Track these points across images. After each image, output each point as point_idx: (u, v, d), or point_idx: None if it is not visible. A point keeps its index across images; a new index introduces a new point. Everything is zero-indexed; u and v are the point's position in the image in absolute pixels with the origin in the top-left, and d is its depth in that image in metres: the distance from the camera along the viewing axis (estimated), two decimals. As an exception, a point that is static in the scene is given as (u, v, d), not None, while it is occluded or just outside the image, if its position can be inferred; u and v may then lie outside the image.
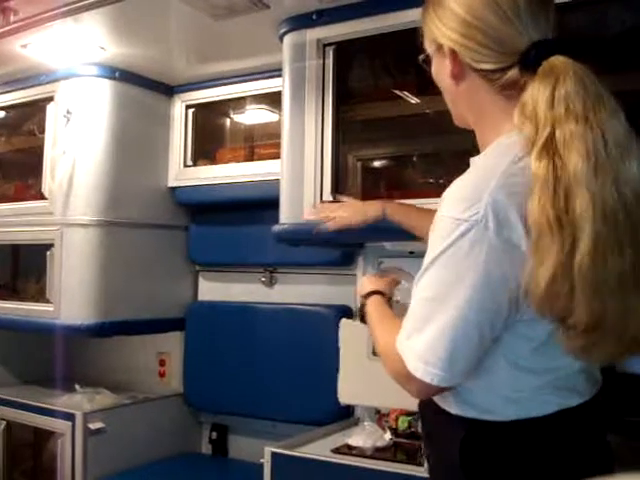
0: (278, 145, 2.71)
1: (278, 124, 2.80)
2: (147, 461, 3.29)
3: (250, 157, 3.45)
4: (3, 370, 3.79)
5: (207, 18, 2.61)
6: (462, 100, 1.39)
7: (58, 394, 3.45)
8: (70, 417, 3.09)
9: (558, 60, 1.22)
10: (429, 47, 1.42)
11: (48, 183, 3.30)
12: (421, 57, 1.45)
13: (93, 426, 3.09)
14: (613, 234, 1.13)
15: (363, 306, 1.68)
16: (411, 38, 2.39)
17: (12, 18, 2.53)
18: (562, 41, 1.28)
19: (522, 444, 1.31)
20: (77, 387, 3.48)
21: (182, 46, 3.05)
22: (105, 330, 3.22)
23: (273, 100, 3.18)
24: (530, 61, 1.24)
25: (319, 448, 2.50)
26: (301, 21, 2.57)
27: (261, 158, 3.32)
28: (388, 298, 1.69)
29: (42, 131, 3.41)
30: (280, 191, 2.60)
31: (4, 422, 3.39)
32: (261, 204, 3.05)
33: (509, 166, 1.20)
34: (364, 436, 2.51)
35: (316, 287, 3.26)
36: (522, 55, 1.26)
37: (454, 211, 1.20)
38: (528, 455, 1.31)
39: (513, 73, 1.27)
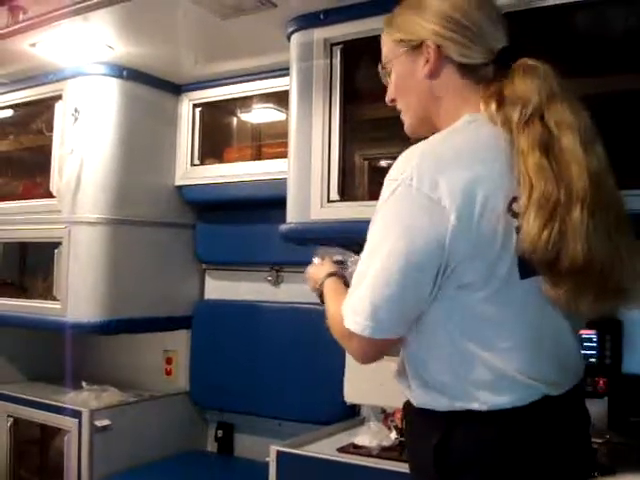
0: (285, 144, 2.71)
1: (285, 123, 2.80)
2: (153, 459, 3.30)
3: (257, 156, 3.45)
4: (10, 367, 3.80)
5: (215, 17, 2.62)
6: (428, 96, 1.48)
7: (65, 391, 3.46)
8: (77, 414, 3.10)
9: (530, 61, 1.40)
10: (397, 49, 1.51)
11: (56, 181, 3.31)
12: (382, 65, 1.59)
13: (99, 423, 3.09)
14: (600, 194, 1.27)
15: (321, 293, 1.71)
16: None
17: (21, 17, 2.54)
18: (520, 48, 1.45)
19: (497, 437, 1.32)
20: (84, 384, 3.49)
21: (190, 45, 3.06)
22: (112, 328, 3.23)
23: (280, 99, 3.18)
24: (505, 60, 1.41)
25: (325, 447, 2.50)
26: (309, 20, 2.57)
27: (268, 157, 3.32)
28: (342, 277, 1.73)
29: (50, 129, 3.42)
30: (287, 190, 2.61)
31: (11, 419, 3.41)
32: (268, 203, 3.05)
33: (445, 137, 1.37)
34: (370, 435, 2.51)
35: (322, 286, 3.26)
36: (497, 54, 1.42)
37: (391, 174, 1.33)
38: (502, 450, 1.32)
39: (490, 69, 1.43)
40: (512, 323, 1.33)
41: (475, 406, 1.32)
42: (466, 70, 1.43)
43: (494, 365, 1.31)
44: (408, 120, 1.58)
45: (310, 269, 1.83)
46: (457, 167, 1.29)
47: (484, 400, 1.32)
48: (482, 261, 1.28)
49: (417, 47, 1.46)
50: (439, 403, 1.36)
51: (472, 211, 1.26)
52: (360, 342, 1.36)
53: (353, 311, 1.35)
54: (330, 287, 1.68)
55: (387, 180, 1.34)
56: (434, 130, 1.44)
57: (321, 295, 1.71)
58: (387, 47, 1.57)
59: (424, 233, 1.27)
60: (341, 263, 1.81)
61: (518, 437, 1.32)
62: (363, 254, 1.37)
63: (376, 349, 1.40)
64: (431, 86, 1.47)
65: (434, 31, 1.43)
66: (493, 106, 1.37)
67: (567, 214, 1.25)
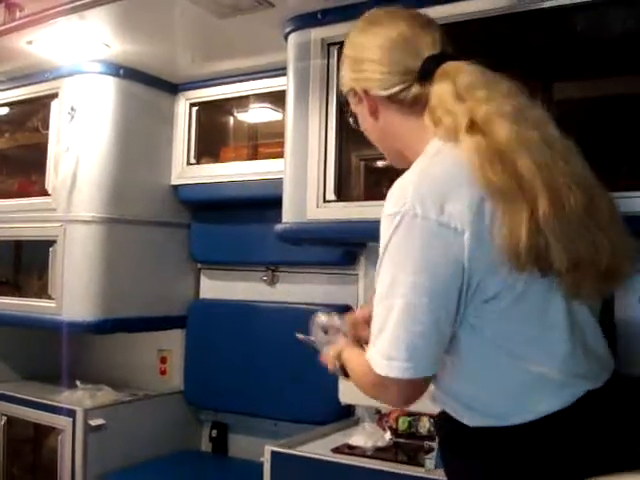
0: (282, 144, 2.71)
1: (282, 123, 2.80)
2: (147, 458, 3.29)
3: (253, 156, 3.45)
4: (4, 366, 3.79)
5: (212, 16, 2.61)
6: (386, 134, 1.55)
7: (59, 390, 3.45)
8: (71, 413, 3.09)
9: (449, 65, 1.41)
10: (351, 100, 1.59)
11: (51, 179, 3.31)
12: (350, 115, 1.66)
13: (94, 422, 3.09)
14: (560, 184, 1.26)
15: (344, 369, 1.63)
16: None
17: (17, 14, 2.54)
18: (449, 53, 1.48)
19: (542, 446, 1.32)
20: (78, 383, 3.48)
21: (187, 44, 3.06)
22: (107, 327, 3.22)
23: (277, 99, 3.18)
24: (425, 73, 1.43)
25: (319, 447, 2.50)
26: (306, 20, 2.57)
27: (264, 157, 3.32)
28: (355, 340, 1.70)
29: (46, 127, 3.41)
30: (283, 190, 2.61)
31: (5, 417, 3.40)
32: (264, 203, 3.05)
33: (430, 162, 1.36)
34: (364, 436, 2.51)
35: (318, 286, 3.26)
36: (419, 71, 1.43)
37: (389, 209, 1.31)
38: (550, 456, 1.32)
39: (416, 88, 1.44)
40: (542, 323, 1.33)
41: (523, 419, 1.32)
42: (398, 99, 1.47)
43: (535, 370, 1.32)
44: (387, 158, 1.63)
45: (324, 355, 1.74)
46: (455, 186, 1.28)
47: (531, 409, 1.33)
48: (503, 271, 1.27)
49: (355, 95, 1.55)
50: (485, 422, 1.37)
51: (482, 225, 1.26)
52: (400, 386, 1.32)
53: (387, 357, 1.30)
54: (348, 356, 1.59)
55: (386, 217, 1.31)
56: (412, 161, 1.43)
57: (344, 371, 1.63)
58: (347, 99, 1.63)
59: (442, 261, 1.26)
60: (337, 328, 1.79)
61: (570, 437, 1.33)
62: (377, 300, 1.33)
63: (418, 389, 1.36)
64: (383, 125, 1.54)
65: (352, 78, 1.53)
66: (431, 124, 1.40)
67: (533, 212, 1.24)
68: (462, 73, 1.39)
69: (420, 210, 1.26)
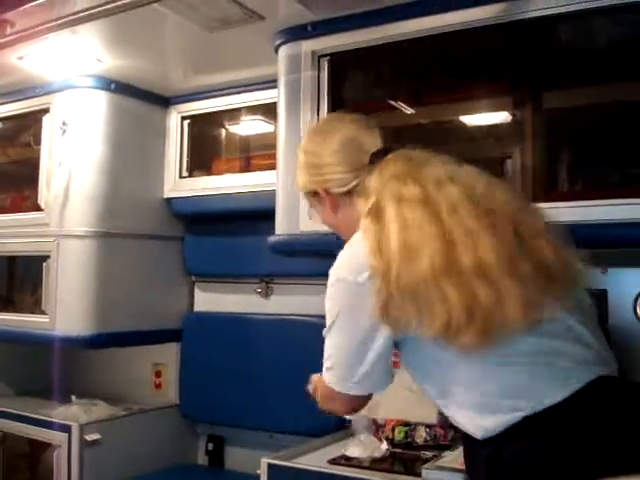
0: (274, 156, 2.72)
1: (274, 135, 2.81)
2: (143, 472, 3.28)
3: (246, 168, 3.45)
4: (-1, 381, 3.79)
5: (202, 30, 2.63)
6: (344, 222, 1.72)
7: (54, 405, 3.43)
8: (66, 428, 3.08)
9: (388, 157, 1.63)
10: (311, 199, 1.82)
11: (44, 194, 3.31)
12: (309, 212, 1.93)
13: (89, 438, 3.08)
14: (412, 259, 1.43)
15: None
16: (405, 49, 2.43)
17: (8, 30, 2.54)
18: (389, 146, 1.70)
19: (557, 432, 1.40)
20: (73, 398, 3.47)
21: (178, 58, 3.07)
22: (101, 341, 3.22)
23: (268, 111, 3.18)
24: (372, 166, 1.64)
25: (316, 459, 2.49)
26: (296, 33, 2.59)
27: (257, 169, 3.32)
28: None
29: (38, 142, 3.41)
30: (276, 202, 2.61)
31: (0, 433, 3.38)
32: (257, 215, 3.05)
33: (352, 242, 1.60)
34: (361, 447, 2.50)
35: (312, 298, 3.24)
36: (367, 165, 1.65)
37: (330, 277, 1.59)
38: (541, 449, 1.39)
39: (367, 180, 1.63)
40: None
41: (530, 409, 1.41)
42: (353, 191, 1.68)
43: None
44: (344, 239, 1.74)
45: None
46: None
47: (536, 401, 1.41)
48: None
49: (315, 195, 1.77)
50: (493, 423, 1.45)
51: None
52: (342, 398, 1.65)
53: (335, 376, 1.63)
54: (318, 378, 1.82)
55: (330, 281, 1.59)
56: None
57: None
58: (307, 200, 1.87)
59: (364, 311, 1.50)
60: None
61: (586, 416, 1.41)
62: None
63: (354, 402, 1.68)
64: (342, 216, 1.74)
65: (312, 181, 1.75)
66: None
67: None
68: (390, 164, 1.61)
69: (351, 277, 1.53)
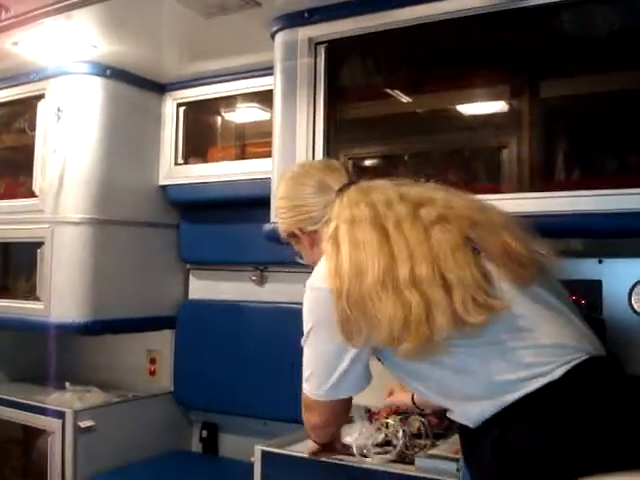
0: (269, 143, 2.71)
1: (269, 122, 2.80)
2: (137, 459, 3.28)
3: (241, 155, 3.45)
4: (-7, 368, 3.79)
5: (199, 16, 2.61)
6: (319, 256, 1.80)
7: (48, 392, 3.43)
8: (60, 415, 3.09)
9: (349, 189, 1.79)
10: (292, 241, 1.97)
11: (39, 181, 3.29)
12: (296, 254, 2.02)
13: (83, 424, 3.08)
14: (361, 277, 1.57)
15: None
16: (402, 37, 2.42)
17: (3, 15, 2.52)
18: (351, 180, 1.86)
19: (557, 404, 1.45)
20: (67, 385, 3.47)
21: (174, 44, 3.05)
22: (95, 328, 3.21)
23: (264, 98, 3.17)
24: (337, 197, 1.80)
25: (310, 446, 2.49)
26: (293, 19, 2.57)
27: (252, 156, 3.31)
28: None
29: (33, 129, 3.40)
30: (271, 189, 2.60)
31: (-6, 420, 3.39)
32: (252, 202, 3.04)
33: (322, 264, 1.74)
34: (354, 434, 2.50)
35: (307, 286, 3.25)
36: (333, 200, 1.80)
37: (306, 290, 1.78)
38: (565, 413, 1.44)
39: (329, 211, 1.80)
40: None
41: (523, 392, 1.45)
42: (323, 226, 1.81)
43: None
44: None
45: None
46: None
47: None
48: None
49: (293, 236, 1.94)
50: (490, 410, 1.50)
51: None
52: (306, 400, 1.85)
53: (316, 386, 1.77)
54: None
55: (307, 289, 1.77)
56: None
57: None
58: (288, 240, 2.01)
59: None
60: None
61: (578, 394, 1.44)
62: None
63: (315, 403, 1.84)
64: (318, 251, 1.84)
65: (290, 223, 1.91)
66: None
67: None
68: (348, 193, 1.77)
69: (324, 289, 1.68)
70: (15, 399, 3.33)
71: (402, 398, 2.36)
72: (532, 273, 1.57)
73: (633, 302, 2.33)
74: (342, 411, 1.92)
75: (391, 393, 2.43)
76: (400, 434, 2.33)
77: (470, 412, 1.53)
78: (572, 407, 1.41)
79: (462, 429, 1.61)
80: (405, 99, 2.59)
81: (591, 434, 1.38)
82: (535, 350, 1.48)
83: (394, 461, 2.27)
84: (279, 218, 1.96)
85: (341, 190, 1.81)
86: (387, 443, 2.43)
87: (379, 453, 2.31)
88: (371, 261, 1.56)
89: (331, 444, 2.24)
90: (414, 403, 2.32)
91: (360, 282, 1.56)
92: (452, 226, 1.59)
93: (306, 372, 1.80)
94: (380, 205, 1.66)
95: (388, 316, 1.52)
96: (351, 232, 1.64)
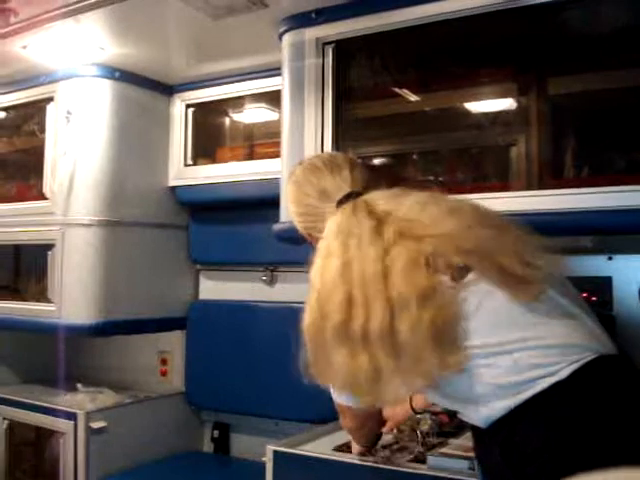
0: (278, 144, 2.71)
1: (278, 123, 2.80)
2: (149, 460, 3.30)
3: (250, 156, 3.45)
4: (5, 369, 3.80)
5: (206, 18, 2.62)
6: None
7: (60, 393, 3.46)
8: (72, 416, 3.10)
9: (343, 207, 1.70)
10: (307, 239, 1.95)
11: (49, 183, 3.31)
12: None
13: (95, 425, 3.09)
14: (323, 317, 1.61)
15: None
16: (409, 36, 2.42)
17: (12, 19, 2.54)
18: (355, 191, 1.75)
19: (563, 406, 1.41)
20: (79, 386, 3.49)
21: (181, 46, 3.06)
22: (106, 329, 3.23)
23: (273, 99, 3.17)
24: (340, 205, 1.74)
25: (321, 446, 2.49)
26: (300, 20, 2.58)
27: (261, 157, 3.32)
28: None
29: (43, 131, 3.42)
30: (280, 189, 2.61)
31: (6, 421, 3.41)
32: (261, 203, 3.05)
33: None
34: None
35: (317, 285, 3.26)
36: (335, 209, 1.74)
37: None
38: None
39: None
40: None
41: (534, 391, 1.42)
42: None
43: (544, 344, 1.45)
44: None
45: None
46: None
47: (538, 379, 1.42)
48: None
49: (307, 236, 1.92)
50: (499, 411, 1.46)
51: None
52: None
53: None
54: None
55: None
56: None
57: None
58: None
59: None
60: None
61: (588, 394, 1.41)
62: None
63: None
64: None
65: (298, 227, 1.91)
66: None
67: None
68: (337, 216, 1.70)
69: None
70: (27, 401, 3.35)
71: (399, 416, 2.26)
72: (537, 288, 1.51)
73: (644, 298, 2.33)
74: (374, 413, 1.92)
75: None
76: (419, 436, 2.34)
77: (479, 414, 1.51)
78: (580, 406, 1.39)
79: (474, 429, 1.60)
80: (413, 98, 2.59)
81: (599, 433, 1.37)
82: (542, 351, 1.45)
83: (406, 460, 2.27)
84: (294, 220, 1.94)
85: (340, 202, 1.75)
86: (397, 442, 2.44)
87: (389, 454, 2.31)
88: (333, 303, 1.58)
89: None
90: (414, 410, 2.26)
91: (324, 323, 1.59)
92: (438, 251, 1.52)
93: None
94: (353, 240, 1.60)
95: (339, 371, 1.56)
96: (323, 264, 1.68)
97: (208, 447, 3.62)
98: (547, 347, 1.45)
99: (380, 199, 1.65)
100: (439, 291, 1.47)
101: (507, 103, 2.44)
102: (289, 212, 1.96)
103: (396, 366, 1.46)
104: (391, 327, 1.45)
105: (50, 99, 3.36)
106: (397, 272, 1.49)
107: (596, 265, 2.36)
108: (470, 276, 1.51)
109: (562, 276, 1.63)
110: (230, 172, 3.34)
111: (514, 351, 1.45)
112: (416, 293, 1.45)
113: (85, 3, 2.29)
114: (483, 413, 1.49)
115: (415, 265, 1.48)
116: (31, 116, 3.59)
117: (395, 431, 2.43)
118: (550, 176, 2.21)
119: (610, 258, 2.37)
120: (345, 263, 1.58)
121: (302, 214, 1.87)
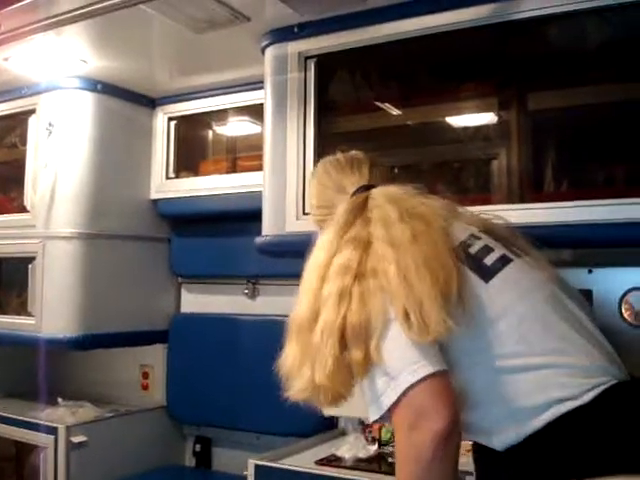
0: (260, 157, 2.71)
1: (260, 136, 2.80)
2: (130, 474, 3.27)
3: (232, 169, 3.45)
4: (-15, 384, 3.77)
5: (189, 31, 2.62)
6: None
7: (40, 407, 3.42)
8: (53, 430, 3.07)
9: (370, 192, 1.69)
10: None
11: (30, 196, 3.29)
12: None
13: (76, 439, 3.07)
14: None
15: None
16: (391, 51, 2.43)
17: (-7, 31, 2.53)
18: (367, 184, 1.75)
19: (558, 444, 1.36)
20: (59, 400, 3.46)
21: (164, 59, 3.06)
22: (87, 343, 3.21)
23: (255, 112, 3.18)
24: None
25: (303, 460, 2.50)
26: (283, 34, 2.59)
27: (243, 170, 3.32)
28: None
29: (24, 144, 3.40)
30: (263, 203, 2.61)
31: (-14, 436, 3.37)
32: (244, 216, 3.05)
33: None
34: (348, 447, 2.51)
35: (299, 298, 3.26)
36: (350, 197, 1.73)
37: None
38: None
39: None
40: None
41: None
42: None
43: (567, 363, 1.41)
44: None
45: None
46: None
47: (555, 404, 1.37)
48: None
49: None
50: (513, 438, 1.40)
51: None
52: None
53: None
54: None
55: None
56: None
57: None
58: None
59: None
60: None
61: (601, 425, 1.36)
62: None
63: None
64: None
65: (314, 220, 1.87)
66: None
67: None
68: (340, 211, 1.69)
69: None
70: (7, 415, 3.32)
71: None
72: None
73: (623, 311, 2.34)
74: (444, 381, 1.38)
75: None
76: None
77: (499, 438, 1.43)
78: (601, 433, 1.35)
79: (480, 449, 1.53)
80: (395, 112, 2.60)
81: (620, 461, 1.34)
82: (568, 370, 1.40)
83: (388, 473, 2.27)
84: (312, 214, 1.93)
85: (354, 193, 1.74)
86: (379, 455, 2.44)
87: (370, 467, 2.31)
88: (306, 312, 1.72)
89: None
90: None
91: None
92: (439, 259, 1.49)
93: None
94: (344, 243, 1.61)
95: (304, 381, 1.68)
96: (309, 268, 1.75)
97: (190, 461, 3.60)
98: (572, 367, 1.40)
99: (384, 195, 1.67)
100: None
101: (488, 117, 2.46)
102: (310, 206, 1.97)
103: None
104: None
105: (32, 111, 3.35)
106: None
107: (576, 278, 2.37)
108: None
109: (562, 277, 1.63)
110: (212, 185, 3.34)
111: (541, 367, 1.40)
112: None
113: (67, 16, 2.28)
114: (502, 436, 1.42)
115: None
116: (13, 128, 3.58)
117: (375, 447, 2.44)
118: (531, 190, 2.23)
119: (590, 271, 2.39)
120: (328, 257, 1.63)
121: (320, 207, 1.85)
